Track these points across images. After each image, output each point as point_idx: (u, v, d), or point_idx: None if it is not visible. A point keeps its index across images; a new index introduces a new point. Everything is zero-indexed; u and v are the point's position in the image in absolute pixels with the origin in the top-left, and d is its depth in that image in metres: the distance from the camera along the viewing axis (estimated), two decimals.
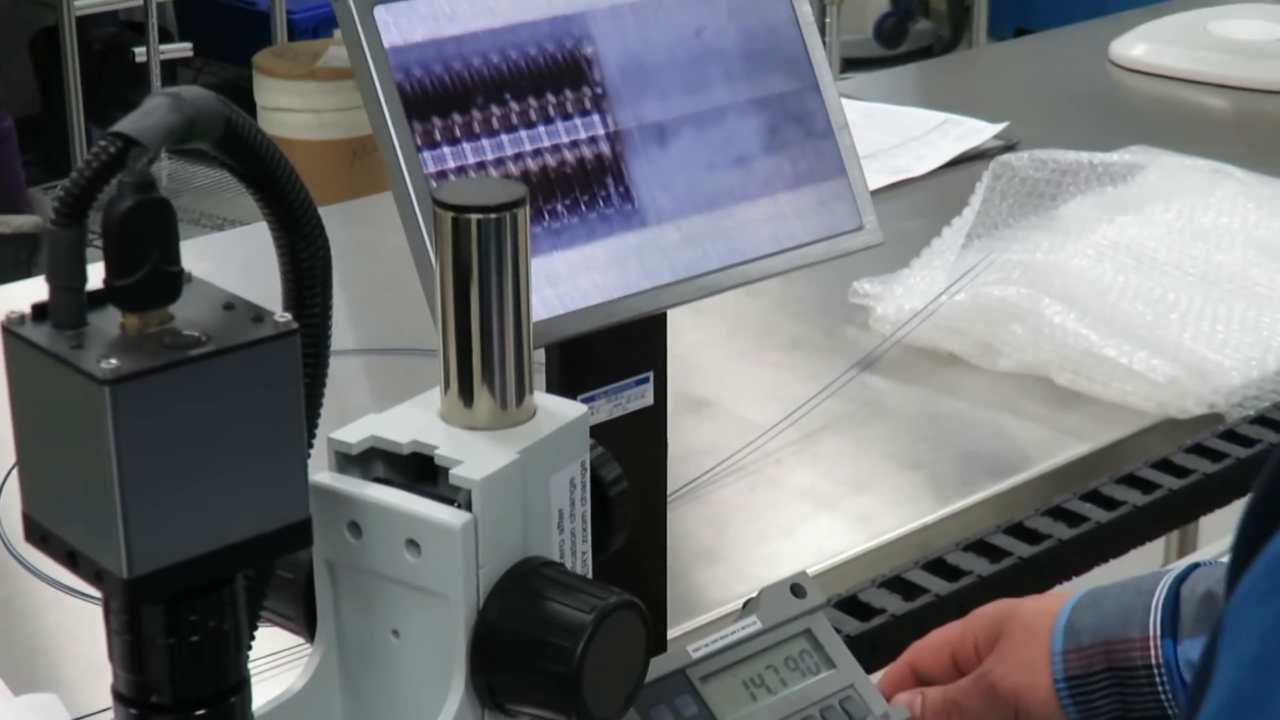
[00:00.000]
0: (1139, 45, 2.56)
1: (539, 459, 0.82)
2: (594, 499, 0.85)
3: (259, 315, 0.71)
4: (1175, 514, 1.44)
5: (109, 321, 0.70)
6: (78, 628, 1.28)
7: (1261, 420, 1.51)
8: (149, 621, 0.72)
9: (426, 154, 1.05)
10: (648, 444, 1.15)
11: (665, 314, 1.14)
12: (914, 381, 1.63)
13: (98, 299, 0.70)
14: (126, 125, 0.69)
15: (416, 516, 0.79)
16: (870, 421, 1.57)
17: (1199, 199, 1.90)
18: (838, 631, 1.08)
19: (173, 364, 0.68)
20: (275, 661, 1.06)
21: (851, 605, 1.25)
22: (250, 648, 0.76)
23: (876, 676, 1.13)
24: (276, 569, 0.81)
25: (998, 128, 2.24)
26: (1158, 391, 1.56)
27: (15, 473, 0.72)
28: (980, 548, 1.32)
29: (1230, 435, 1.48)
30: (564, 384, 1.09)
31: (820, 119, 1.19)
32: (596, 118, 1.11)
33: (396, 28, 1.04)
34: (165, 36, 4.79)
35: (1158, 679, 1.08)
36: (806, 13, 1.20)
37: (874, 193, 1.23)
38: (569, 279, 1.08)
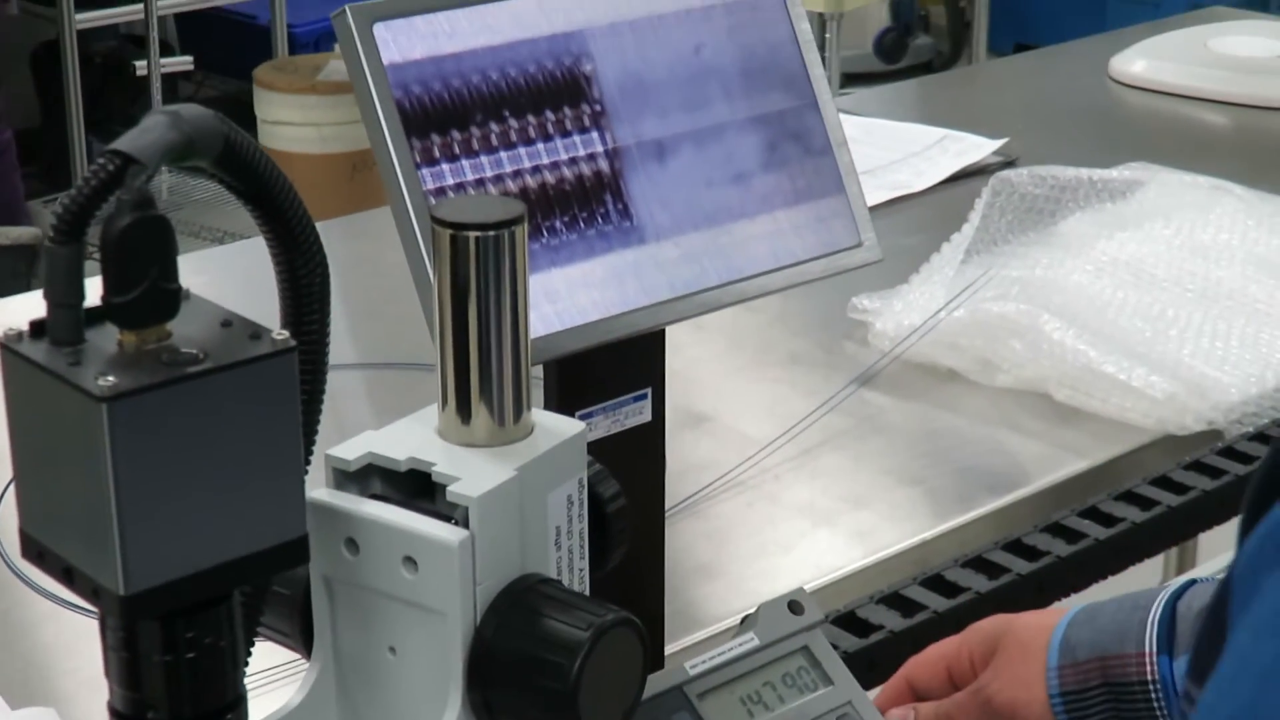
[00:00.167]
0: (1139, 61, 2.56)
1: (536, 476, 0.82)
2: (592, 516, 0.85)
3: (257, 332, 0.71)
4: (1174, 531, 1.44)
5: (107, 338, 0.70)
6: (76, 642, 1.28)
7: (1261, 437, 1.51)
8: (146, 638, 0.72)
9: (425, 171, 1.05)
10: (646, 460, 1.15)
11: (664, 331, 1.14)
12: (913, 397, 1.63)
13: (96, 316, 0.70)
14: (125, 143, 0.69)
15: (414, 533, 0.79)
16: (869, 437, 1.57)
17: (1198, 215, 1.90)
18: (835, 648, 1.08)
19: (170, 381, 0.68)
20: (272, 677, 1.06)
21: (849, 622, 1.25)
22: (247, 664, 0.76)
23: (874, 693, 1.13)
24: (274, 585, 0.82)
25: (997, 143, 2.24)
26: (1157, 408, 1.56)
27: (13, 487, 0.72)
28: (979, 564, 1.32)
29: (1229, 452, 1.48)
30: (562, 400, 1.09)
31: (819, 136, 1.19)
32: (595, 135, 1.11)
33: (396, 45, 1.04)
34: (166, 50, 4.80)
35: (1153, 695, 1.08)
36: (805, 30, 1.20)
37: (873, 208, 1.23)
38: (567, 296, 1.08)
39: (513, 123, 1.08)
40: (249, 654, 0.77)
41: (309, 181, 3.68)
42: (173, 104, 0.74)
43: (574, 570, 0.84)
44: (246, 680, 0.76)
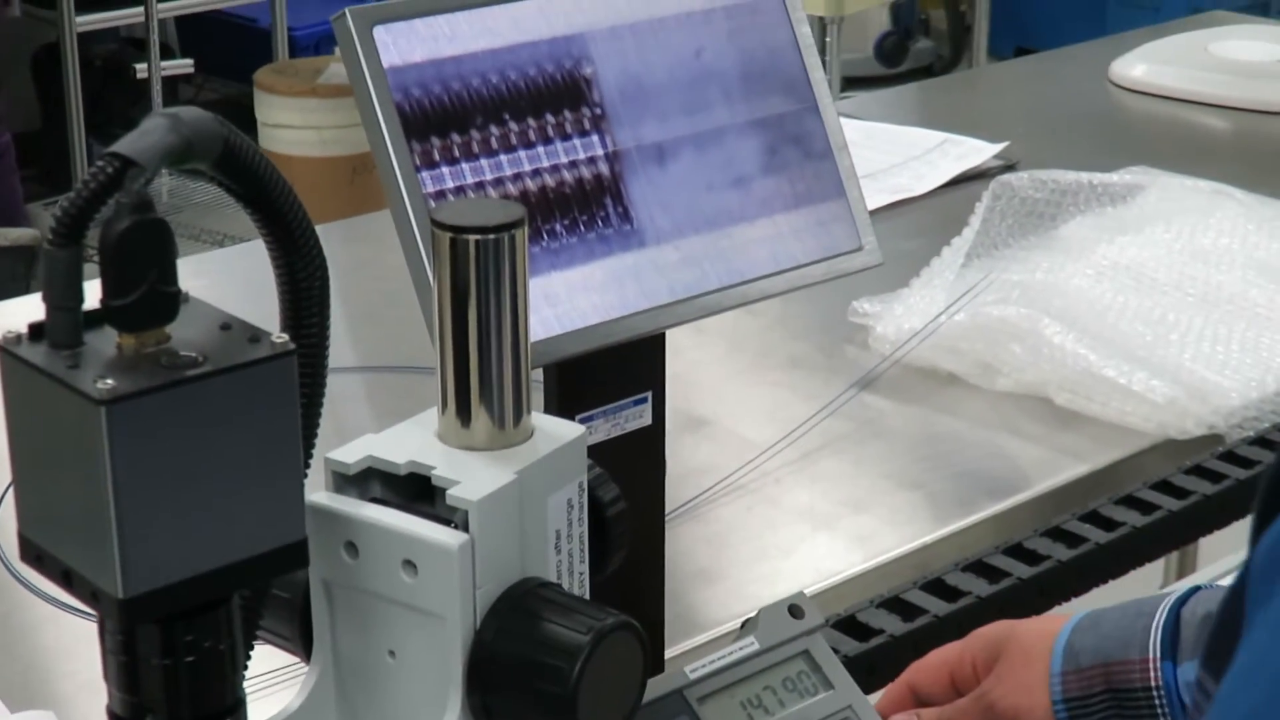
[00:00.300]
0: (1139, 65, 2.56)
1: (536, 479, 0.82)
2: (592, 519, 0.85)
3: (256, 335, 0.71)
4: (1174, 535, 1.44)
5: (106, 341, 0.70)
6: (75, 645, 1.28)
7: (1261, 441, 1.51)
8: (144, 642, 0.72)
9: (425, 174, 1.05)
10: (646, 464, 1.15)
11: (664, 334, 1.13)
12: (913, 401, 1.63)
13: (95, 319, 0.70)
14: (124, 146, 0.69)
15: (413, 537, 0.79)
16: (869, 441, 1.57)
17: (1199, 220, 1.90)
18: (836, 652, 1.08)
19: (169, 384, 0.68)
20: (271, 680, 1.06)
21: (850, 626, 1.25)
22: (246, 668, 0.76)
23: (875, 697, 1.13)
24: (273, 589, 0.81)
25: (998, 147, 2.24)
26: (1157, 412, 1.56)
27: (12, 490, 0.72)
28: (979, 568, 1.32)
29: (1230, 456, 1.48)
30: (562, 404, 1.09)
31: (819, 140, 1.19)
32: (595, 138, 1.11)
33: (395, 48, 1.04)
34: (166, 53, 4.80)
35: (1157, 701, 1.07)
36: (806, 34, 1.20)
37: (874, 212, 1.23)
38: (567, 299, 1.08)
39: (513, 126, 1.08)
40: (248, 657, 0.77)
41: (309, 184, 3.68)
42: (173, 107, 0.73)
43: (574, 574, 0.84)
44: (246, 684, 0.76)
